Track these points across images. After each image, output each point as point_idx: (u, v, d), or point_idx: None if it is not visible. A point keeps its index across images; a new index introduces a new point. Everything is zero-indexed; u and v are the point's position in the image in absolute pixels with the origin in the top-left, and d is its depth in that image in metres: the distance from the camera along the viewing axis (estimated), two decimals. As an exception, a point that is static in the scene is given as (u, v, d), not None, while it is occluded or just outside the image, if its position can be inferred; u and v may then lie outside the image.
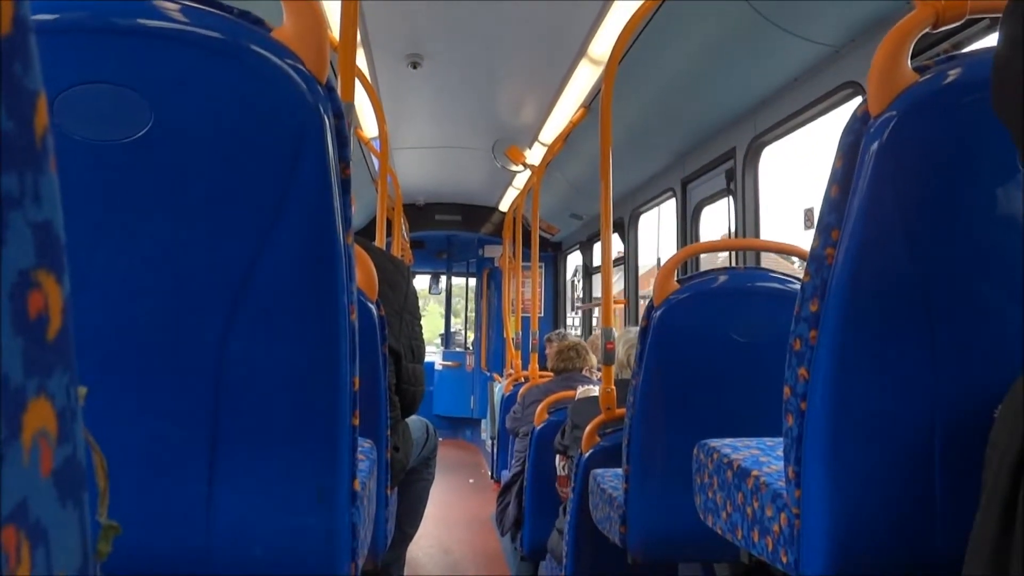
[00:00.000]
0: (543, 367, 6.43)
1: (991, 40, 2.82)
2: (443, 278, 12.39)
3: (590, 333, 8.97)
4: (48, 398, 0.34)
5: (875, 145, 1.33)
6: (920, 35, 1.37)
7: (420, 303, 2.95)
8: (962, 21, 1.39)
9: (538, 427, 4.34)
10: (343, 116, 1.26)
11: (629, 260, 7.34)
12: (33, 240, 0.33)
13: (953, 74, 1.34)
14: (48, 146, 0.35)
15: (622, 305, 7.36)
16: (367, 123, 6.01)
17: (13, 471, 0.31)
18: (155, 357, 1.22)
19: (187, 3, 1.21)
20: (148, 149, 1.17)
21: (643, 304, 4.52)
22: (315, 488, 1.29)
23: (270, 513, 1.26)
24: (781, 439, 1.54)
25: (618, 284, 7.83)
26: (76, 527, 0.36)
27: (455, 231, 10.79)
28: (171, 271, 1.21)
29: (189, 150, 1.19)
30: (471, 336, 12.34)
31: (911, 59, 1.37)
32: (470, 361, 11.36)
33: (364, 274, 2.02)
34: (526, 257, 8.11)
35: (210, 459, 1.23)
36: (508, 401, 6.43)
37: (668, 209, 6.13)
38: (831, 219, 1.40)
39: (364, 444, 1.89)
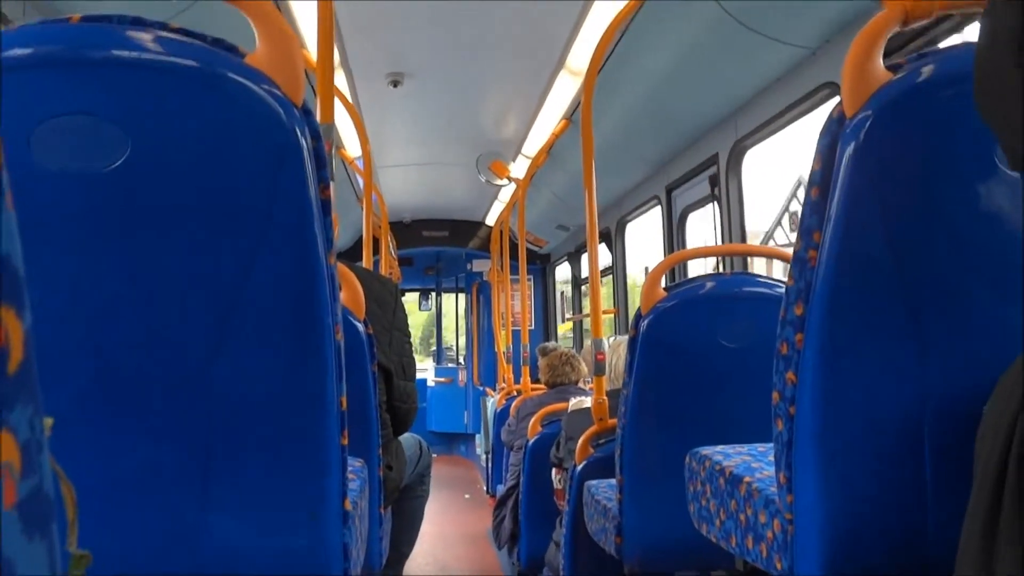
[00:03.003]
0: (535, 380, 6.43)
1: (966, 35, 2.84)
2: (432, 294, 12.39)
3: (581, 345, 8.96)
4: (10, 431, 0.34)
5: (851, 145, 1.34)
6: (891, 34, 1.38)
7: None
8: (932, 18, 1.39)
9: (532, 440, 4.34)
10: (320, 138, 1.27)
11: (617, 269, 7.35)
12: None
13: (926, 71, 1.34)
14: (3, 182, 0.35)
15: (612, 315, 7.37)
16: (350, 143, 6.01)
17: None
18: (144, 384, 1.22)
19: (160, 32, 1.21)
20: (127, 178, 1.17)
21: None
22: (305, 509, 1.28)
23: (260, 535, 1.26)
24: (772, 444, 1.54)
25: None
26: (44, 558, 0.36)
27: (443, 247, 10.81)
28: (155, 298, 1.21)
29: (167, 178, 1.19)
30: (463, 351, 12.34)
31: (885, 58, 1.37)
32: (462, 376, 11.34)
33: (350, 293, 2.02)
34: (515, 270, 8.12)
35: (203, 483, 1.23)
36: (501, 415, 6.43)
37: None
38: (812, 221, 1.41)
39: (355, 463, 1.89)
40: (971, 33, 2.84)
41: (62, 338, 1.18)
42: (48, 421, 0.38)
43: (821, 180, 1.39)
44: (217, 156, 1.21)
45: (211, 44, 1.22)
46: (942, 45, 2.82)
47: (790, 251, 1.54)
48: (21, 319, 0.35)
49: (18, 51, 1.16)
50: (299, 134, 1.22)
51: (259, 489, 1.26)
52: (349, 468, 1.40)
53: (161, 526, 1.24)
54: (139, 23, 1.21)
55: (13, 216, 0.36)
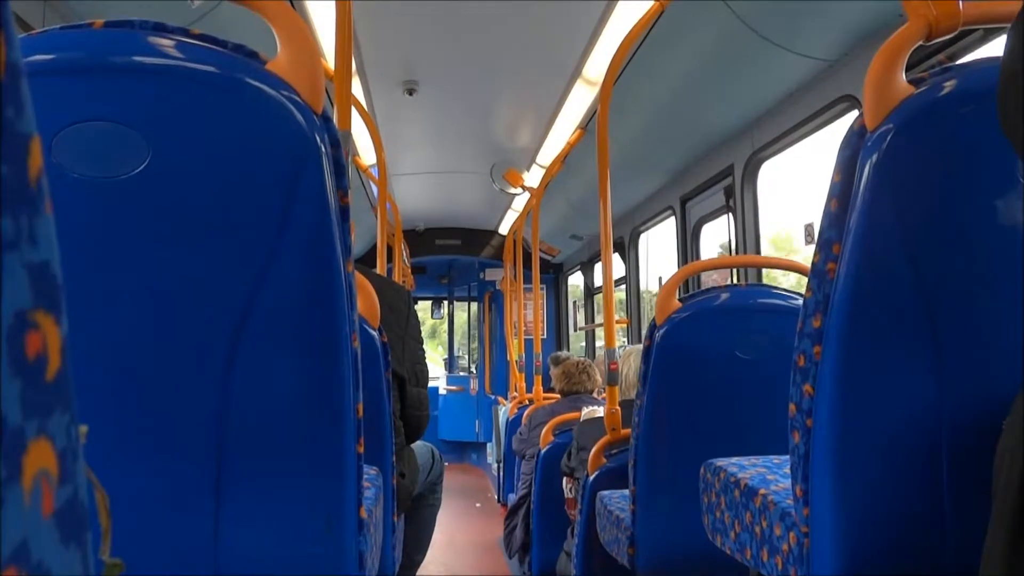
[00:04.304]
0: (547, 389, 6.42)
1: (987, 50, 2.83)
2: (445, 303, 12.39)
3: (594, 355, 8.96)
4: (48, 439, 0.34)
5: (872, 158, 1.33)
6: (914, 48, 1.37)
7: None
8: (955, 32, 1.39)
9: (544, 449, 4.33)
10: (339, 145, 1.27)
11: (631, 279, 7.34)
12: (30, 281, 0.33)
13: (948, 85, 1.34)
14: (43, 187, 0.35)
15: (624, 325, 7.36)
16: (365, 150, 6.02)
17: (14, 513, 0.30)
18: (159, 392, 1.22)
19: (182, 38, 1.21)
20: (146, 185, 1.17)
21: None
22: (322, 517, 1.28)
23: (277, 544, 1.26)
24: (788, 456, 1.53)
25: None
26: (79, 567, 0.36)
27: (456, 255, 10.80)
28: (173, 305, 1.21)
29: (187, 184, 1.20)
30: (475, 360, 12.35)
31: (906, 72, 1.37)
32: (474, 385, 11.34)
33: (366, 301, 2.02)
34: (527, 279, 8.11)
35: (216, 492, 1.23)
36: (513, 424, 6.42)
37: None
38: (831, 234, 1.40)
39: (369, 471, 1.89)
40: (995, 48, 2.83)
41: (76, 345, 1.17)
42: (83, 428, 0.38)
43: (841, 192, 1.39)
44: (237, 162, 1.21)
45: (232, 50, 1.23)
46: (964, 60, 2.81)
47: (806, 263, 1.54)
48: (59, 326, 0.35)
49: (40, 56, 1.16)
50: (319, 141, 1.22)
51: (276, 498, 1.26)
52: (364, 476, 1.40)
53: (177, 535, 1.24)
54: (161, 28, 1.22)
55: (52, 221, 0.36)
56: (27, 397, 0.32)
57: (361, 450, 1.34)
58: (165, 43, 1.20)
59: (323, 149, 1.22)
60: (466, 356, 13.18)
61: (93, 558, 0.38)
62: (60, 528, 0.34)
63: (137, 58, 1.18)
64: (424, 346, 2.88)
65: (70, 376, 0.36)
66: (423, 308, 12.89)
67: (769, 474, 1.78)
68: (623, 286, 7.52)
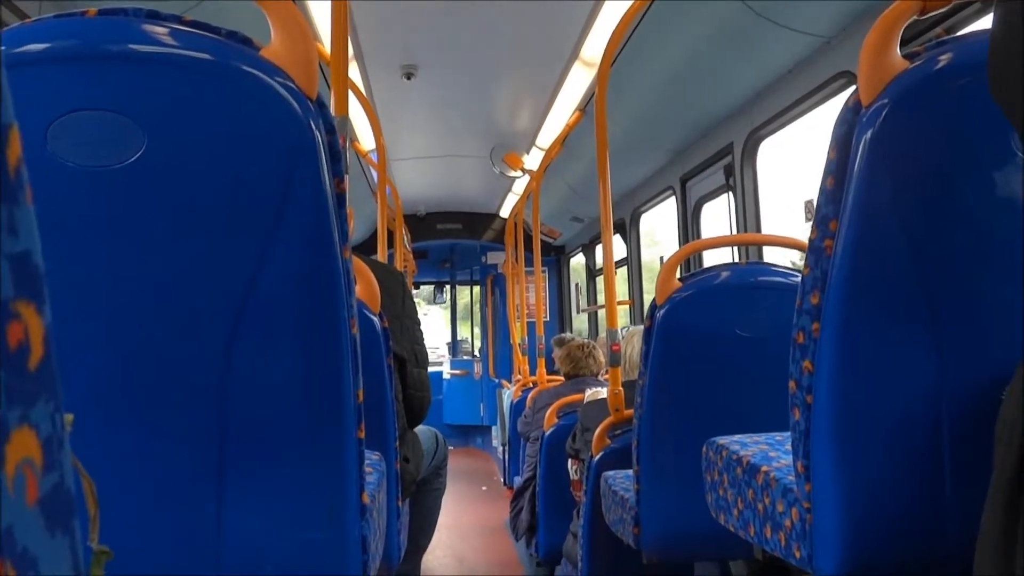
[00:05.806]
0: (550, 371, 6.42)
1: (983, 23, 2.82)
2: (447, 287, 12.39)
3: (597, 336, 8.96)
4: (32, 428, 0.34)
5: (868, 134, 1.33)
6: (908, 22, 1.37)
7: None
8: (950, 6, 1.38)
9: (548, 431, 4.34)
10: (335, 131, 1.26)
11: (632, 260, 7.34)
12: (10, 271, 0.33)
13: (943, 59, 1.33)
14: (22, 177, 0.35)
15: (627, 306, 7.36)
16: (364, 136, 6.01)
17: None
18: (159, 380, 1.22)
19: (175, 26, 1.21)
20: (142, 173, 1.17)
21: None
22: (324, 503, 1.29)
23: (279, 531, 1.26)
24: (789, 433, 1.53)
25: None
26: (67, 554, 0.36)
27: (457, 239, 10.80)
28: (171, 293, 1.21)
29: (183, 172, 1.19)
30: (478, 344, 12.36)
31: (901, 46, 1.37)
32: (478, 369, 11.34)
33: (365, 286, 2.02)
34: (529, 262, 8.11)
35: (218, 480, 1.23)
36: (518, 407, 6.43)
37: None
38: (828, 210, 1.40)
39: (372, 456, 1.89)
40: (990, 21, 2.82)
41: (75, 335, 1.18)
42: (69, 417, 0.39)
43: (837, 169, 1.39)
44: (232, 150, 1.21)
45: (226, 37, 1.22)
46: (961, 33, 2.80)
47: (804, 240, 1.54)
48: (41, 315, 0.35)
49: (34, 46, 1.16)
50: (313, 127, 1.21)
51: (276, 484, 1.26)
52: (366, 461, 1.40)
53: (178, 523, 1.24)
54: (154, 16, 1.21)
55: (33, 211, 0.36)
56: (9, 386, 0.32)
57: (362, 435, 1.35)
58: (159, 31, 1.20)
59: (318, 135, 1.22)
60: (469, 340, 13.18)
61: (82, 545, 0.38)
62: (46, 516, 0.34)
63: (131, 46, 1.18)
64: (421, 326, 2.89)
65: (54, 365, 0.36)
66: (426, 295, 12.89)
67: (771, 451, 1.78)
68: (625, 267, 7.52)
